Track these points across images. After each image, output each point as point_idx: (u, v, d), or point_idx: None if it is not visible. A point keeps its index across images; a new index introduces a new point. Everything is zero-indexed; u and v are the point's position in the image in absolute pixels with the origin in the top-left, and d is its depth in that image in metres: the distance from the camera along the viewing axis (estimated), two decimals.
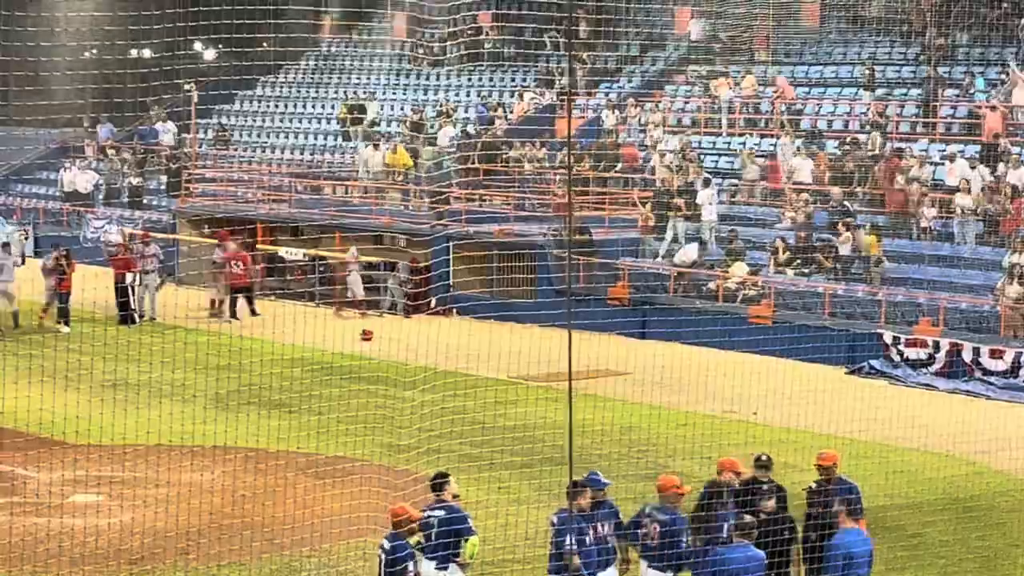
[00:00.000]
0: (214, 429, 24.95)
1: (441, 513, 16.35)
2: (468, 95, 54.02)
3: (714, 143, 46.05)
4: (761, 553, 15.64)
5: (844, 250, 37.42)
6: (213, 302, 40.78)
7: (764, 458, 18.05)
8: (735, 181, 43.37)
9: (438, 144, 49.05)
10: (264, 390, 28.02)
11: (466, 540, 16.44)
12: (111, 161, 55.78)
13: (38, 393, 24.06)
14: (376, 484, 20.05)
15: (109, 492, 23.00)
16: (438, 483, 17.31)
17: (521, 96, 50.72)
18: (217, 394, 28.33)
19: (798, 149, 42.34)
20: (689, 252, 39.69)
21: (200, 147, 55.06)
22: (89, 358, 28.48)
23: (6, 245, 38.93)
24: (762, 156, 43.54)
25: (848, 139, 42.29)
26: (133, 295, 39.23)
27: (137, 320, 38.88)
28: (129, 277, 39.21)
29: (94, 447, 24.17)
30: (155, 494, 22.51)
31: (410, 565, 15.46)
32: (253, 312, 40.40)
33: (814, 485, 17.79)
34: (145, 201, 52.94)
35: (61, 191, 54.54)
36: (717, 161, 44.95)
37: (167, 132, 56.24)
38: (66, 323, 37.75)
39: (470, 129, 49.68)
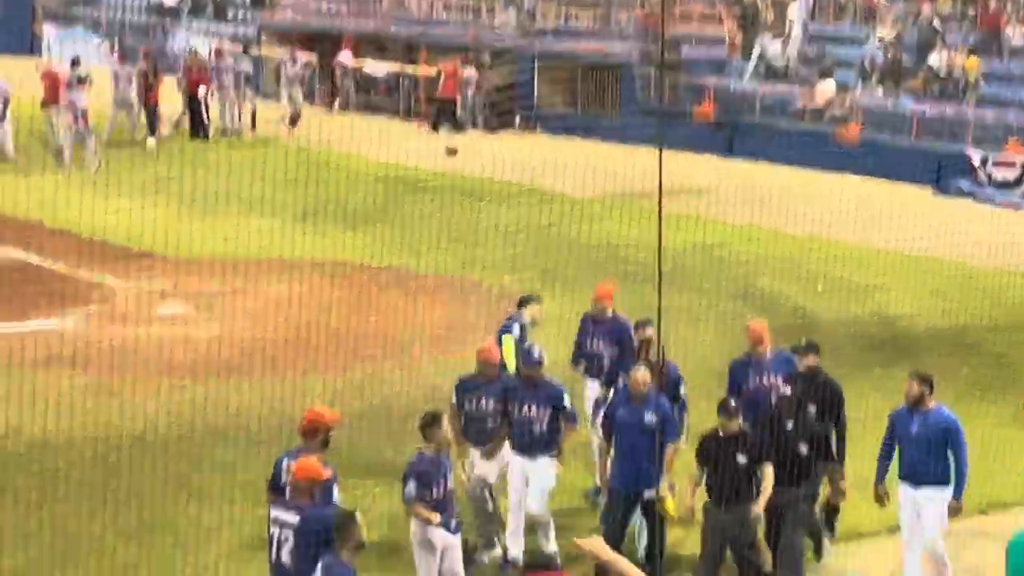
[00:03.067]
0: (302, 243, 25.12)
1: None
2: None
3: None
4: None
5: (935, 68, 36.91)
6: (294, 118, 40.79)
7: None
8: None
9: None
10: (349, 205, 28.13)
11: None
12: None
13: (126, 206, 24.26)
14: (461, 298, 20.19)
15: (197, 304, 23.31)
16: (523, 302, 17.63)
17: None
18: (303, 209, 28.47)
19: None
20: (777, 69, 39.27)
21: None
22: (178, 170, 28.65)
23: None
24: None
25: None
26: (207, 108, 39.24)
27: (209, 133, 38.93)
28: (202, 90, 39.18)
29: (182, 260, 24.44)
30: (242, 306, 22.76)
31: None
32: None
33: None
34: (231, 15, 52.79)
35: (148, 3, 54.42)
36: None
37: None
38: (152, 135, 37.93)
39: None
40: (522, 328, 17.91)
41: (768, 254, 25.56)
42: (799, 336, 21.67)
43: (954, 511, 15.47)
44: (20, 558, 15.62)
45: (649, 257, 23.62)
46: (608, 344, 18.08)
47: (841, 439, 16.42)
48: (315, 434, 13.96)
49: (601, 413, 16.61)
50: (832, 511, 16.64)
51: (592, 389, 17.97)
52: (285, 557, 12.94)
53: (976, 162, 34.13)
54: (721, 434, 15.34)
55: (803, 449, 15.47)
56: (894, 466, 15.70)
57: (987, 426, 18.91)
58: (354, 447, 16.16)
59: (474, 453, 16.26)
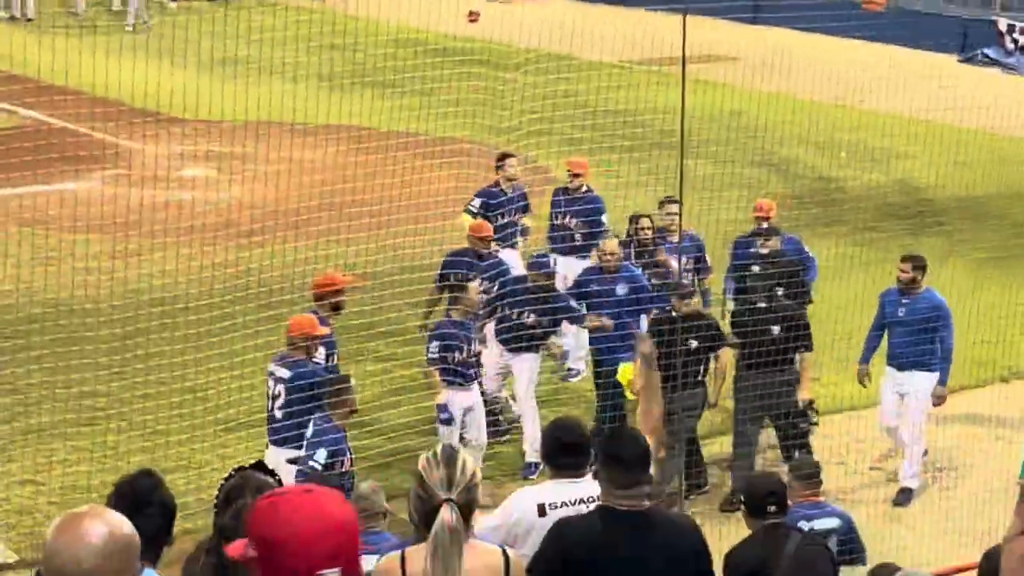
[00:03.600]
0: (326, 108, 24.99)
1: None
2: None
3: None
4: None
5: None
6: None
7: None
8: None
9: None
10: (370, 69, 27.98)
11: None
12: None
13: (146, 67, 24.17)
14: (480, 165, 20.12)
15: (219, 167, 23.29)
16: (499, 162, 17.63)
17: None
18: (325, 73, 28.33)
19: None
20: None
21: None
22: (196, 33, 28.47)
23: None
24: None
25: None
26: None
27: None
28: None
29: (204, 122, 24.38)
30: (265, 170, 22.74)
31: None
32: None
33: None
34: None
35: None
36: None
37: None
38: None
39: None
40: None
41: (792, 122, 25.39)
42: (823, 204, 21.72)
43: (939, 398, 15.39)
44: (44, 419, 15.76)
45: (670, 124, 23.59)
46: (579, 220, 17.83)
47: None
48: (325, 297, 14.04)
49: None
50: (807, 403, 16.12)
51: (562, 265, 17.48)
52: (277, 412, 13.14)
53: (1003, 29, 33.81)
54: (674, 315, 15.01)
55: (775, 330, 15.12)
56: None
57: (1010, 294, 18.91)
58: (378, 312, 16.19)
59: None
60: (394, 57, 29.53)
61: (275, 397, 13.46)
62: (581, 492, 8.60)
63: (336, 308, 14.33)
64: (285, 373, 13.39)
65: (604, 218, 17.95)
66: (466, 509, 6.55)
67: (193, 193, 22.16)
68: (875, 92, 27.68)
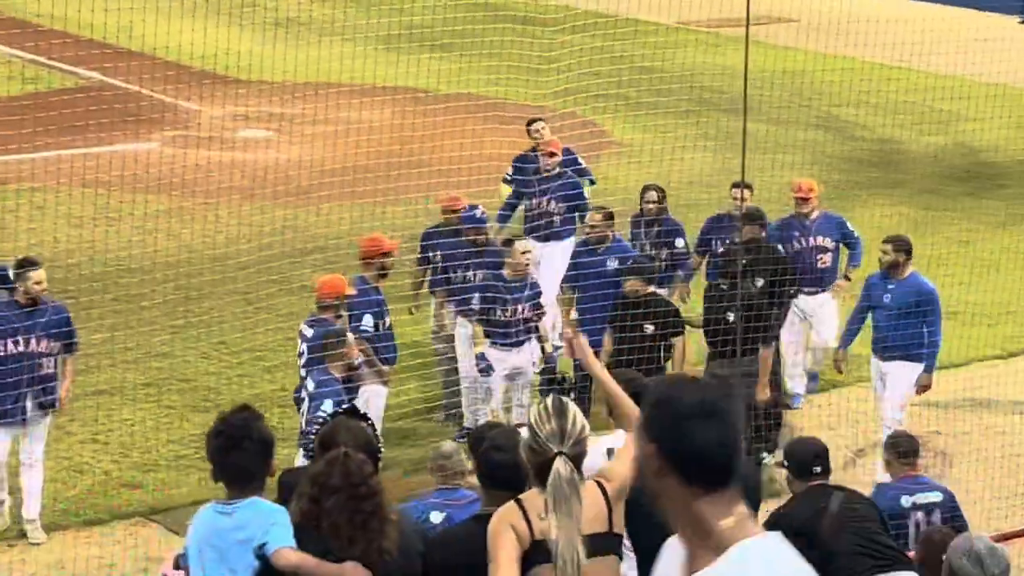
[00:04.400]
0: (383, 70, 25.03)
1: None
2: None
3: None
4: None
5: None
6: None
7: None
8: None
9: None
10: (427, 31, 27.97)
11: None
12: None
13: (204, 28, 24.25)
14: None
15: (277, 128, 23.38)
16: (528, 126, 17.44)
17: None
18: (384, 34, 28.33)
19: None
20: None
21: None
22: None
23: None
24: None
25: None
26: None
27: None
28: None
29: (263, 83, 24.46)
30: (323, 131, 22.81)
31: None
32: None
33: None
34: None
35: None
36: None
37: None
38: None
39: None
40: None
41: (851, 82, 25.25)
42: (883, 167, 21.57)
43: (923, 386, 14.54)
44: (104, 378, 15.91)
45: (727, 85, 23.56)
46: (557, 201, 17.02)
47: (779, 317, 15.45)
48: (372, 260, 14.12)
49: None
50: (771, 418, 14.98)
51: (539, 251, 16.58)
52: (302, 370, 13.29)
53: None
54: (630, 297, 14.47)
55: (730, 316, 14.38)
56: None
57: None
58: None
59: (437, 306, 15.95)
60: (452, 19, 29.52)
61: (300, 355, 13.62)
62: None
63: (383, 271, 14.36)
64: (308, 332, 13.55)
65: (586, 193, 17.18)
66: (578, 460, 6.77)
67: (251, 154, 22.25)
68: (936, 53, 27.49)
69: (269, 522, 7.03)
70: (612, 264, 15.20)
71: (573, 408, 6.92)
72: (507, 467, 7.30)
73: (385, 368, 14.18)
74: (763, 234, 15.72)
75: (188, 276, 18.23)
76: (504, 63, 25.07)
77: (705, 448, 4.26)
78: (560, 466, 6.68)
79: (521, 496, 6.90)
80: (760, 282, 15.03)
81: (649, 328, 14.13)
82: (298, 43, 26.59)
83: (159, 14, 21.90)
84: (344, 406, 12.50)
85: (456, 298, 15.36)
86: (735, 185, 15.99)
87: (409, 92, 24.60)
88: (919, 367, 14.42)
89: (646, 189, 16.72)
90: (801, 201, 16.17)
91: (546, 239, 16.81)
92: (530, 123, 18.19)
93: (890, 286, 14.45)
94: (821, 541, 9.33)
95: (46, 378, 13.29)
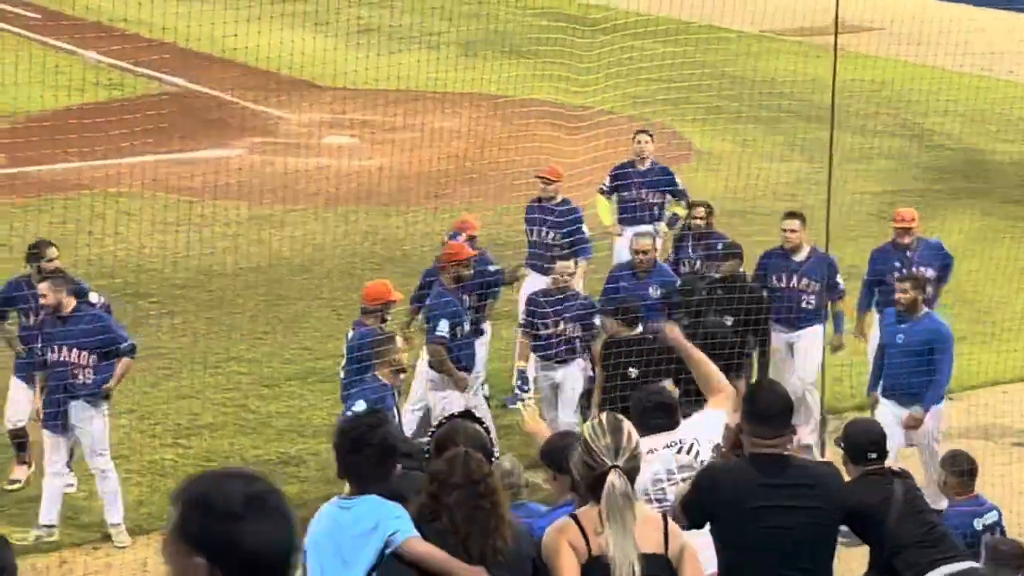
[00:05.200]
0: (465, 76, 25.13)
1: None
2: None
3: None
4: None
5: None
6: None
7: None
8: None
9: None
10: (508, 37, 28.05)
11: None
12: None
13: (291, 35, 24.43)
14: (619, 135, 20.05)
15: (361, 135, 23.48)
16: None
17: None
18: (464, 41, 28.43)
19: None
20: None
21: None
22: (342, 1, 28.71)
23: None
24: None
25: None
26: None
27: None
28: None
29: (347, 90, 24.58)
30: (406, 138, 22.90)
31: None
32: None
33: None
34: None
35: None
36: None
37: None
38: None
39: None
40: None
41: (939, 93, 25.06)
42: (969, 176, 21.33)
43: (915, 419, 13.54)
44: (188, 383, 16.01)
45: (811, 94, 23.43)
46: (557, 233, 16.16)
47: (762, 355, 14.73)
48: (449, 268, 14.29)
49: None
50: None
51: (533, 284, 15.85)
52: (341, 371, 13.35)
53: None
54: (620, 338, 13.66)
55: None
56: None
57: None
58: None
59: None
60: (533, 25, 29.56)
61: (341, 357, 13.74)
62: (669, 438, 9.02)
63: (459, 279, 14.37)
64: (350, 334, 13.66)
65: (584, 228, 16.33)
66: (632, 473, 6.89)
67: (335, 160, 22.35)
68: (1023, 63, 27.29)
69: (393, 515, 7.18)
70: (654, 293, 14.83)
71: (628, 424, 7.03)
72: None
73: (462, 375, 14.17)
74: (740, 269, 15.11)
75: (273, 282, 18.36)
76: (584, 70, 25.11)
77: (261, 551, 3.75)
78: (614, 479, 6.79)
79: (577, 512, 7.00)
80: (729, 320, 14.29)
81: (633, 372, 13.23)
82: (380, 50, 26.71)
83: (245, 21, 22.01)
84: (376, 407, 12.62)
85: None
86: (790, 216, 15.45)
87: (488, 98, 24.66)
88: (937, 407, 13.70)
89: (694, 205, 16.36)
90: (902, 231, 15.37)
91: (546, 272, 15.58)
92: (636, 133, 18.02)
93: (903, 325, 13.76)
94: (888, 531, 9.31)
95: (81, 387, 13.24)
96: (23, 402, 14.08)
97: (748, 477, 7.94)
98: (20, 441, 14.19)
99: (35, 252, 14.10)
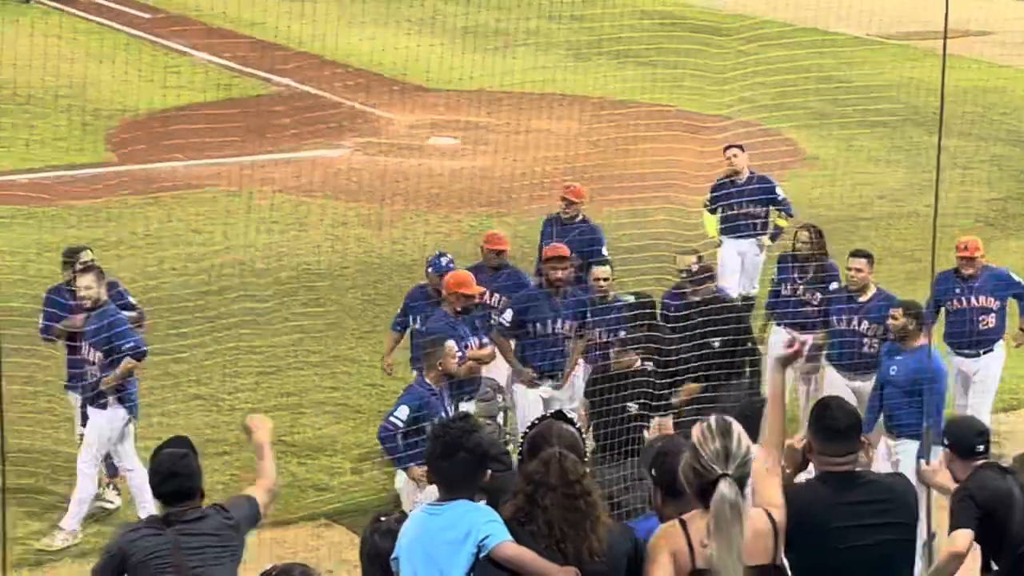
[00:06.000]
0: (570, 78, 25.14)
1: None
2: None
3: None
4: None
5: None
6: None
7: None
8: None
9: None
10: (619, 41, 28.01)
11: None
12: None
13: (395, 36, 24.58)
14: (727, 140, 19.98)
15: (465, 136, 23.56)
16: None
17: None
18: (574, 44, 28.44)
19: None
20: None
21: None
22: (451, 3, 28.85)
23: None
24: None
25: None
26: None
27: None
28: None
29: (453, 93, 24.68)
30: (511, 140, 22.94)
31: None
32: None
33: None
34: None
35: None
36: None
37: None
38: None
39: None
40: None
41: None
42: None
43: (925, 478, 11.31)
44: (292, 381, 16.15)
45: (915, 97, 23.22)
46: (575, 253, 15.38)
47: (753, 373, 14.05)
48: (543, 268, 14.25)
49: None
50: None
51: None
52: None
53: None
54: (613, 370, 13.00)
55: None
56: None
57: None
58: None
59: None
60: (640, 28, 29.50)
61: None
62: None
63: (550, 281, 14.37)
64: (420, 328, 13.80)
65: (604, 251, 15.69)
66: (742, 480, 6.66)
67: (439, 161, 22.46)
68: None
69: (485, 519, 7.15)
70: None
71: (738, 428, 6.78)
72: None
73: (527, 370, 14.14)
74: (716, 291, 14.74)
75: (376, 282, 18.46)
76: (688, 73, 25.05)
77: None
78: (725, 489, 6.57)
79: (685, 517, 6.80)
80: (716, 342, 13.79)
81: (633, 407, 12.49)
82: (486, 52, 26.80)
83: (351, 23, 22.28)
84: (423, 417, 12.58)
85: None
86: (854, 255, 14.72)
87: (595, 101, 24.65)
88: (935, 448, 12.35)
89: (798, 229, 15.76)
90: (965, 261, 14.61)
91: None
92: (726, 148, 17.84)
93: (898, 358, 13.19)
94: (1014, 531, 9.14)
95: (91, 386, 13.22)
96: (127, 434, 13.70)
97: (822, 497, 7.64)
98: (109, 462, 13.85)
99: (69, 260, 13.97)
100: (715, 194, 17.62)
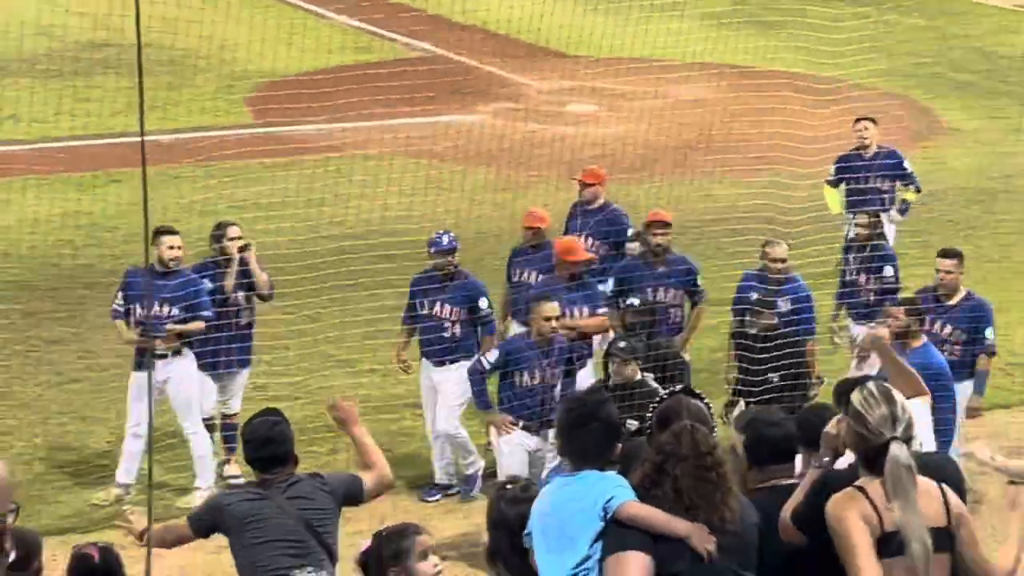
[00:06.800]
0: (709, 47, 24.90)
1: None
2: None
3: None
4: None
5: None
6: None
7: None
8: None
9: None
10: (758, 7, 27.75)
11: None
12: None
13: (537, 2, 24.48)
14: (863, 110, 19.71)
15: (603, 103, 23.46)
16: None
17: None
18: (714, 10, 28.16)
19: None
20: None
21: None
22: None
23: None
24: None
25: None
26: None
27: None
28: None
29: (590, 58, 24.59)
30: (649, 107, 22.82)
31: None
32: None
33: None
34: None
35: None
36: None
37: None
38: None
39: None
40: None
41: None
42: None
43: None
44: None
45: None
46: (596, 239, 15.40)
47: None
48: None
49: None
50: None
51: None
52: None
53: None
54: (612, 383, 12.85)
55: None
56: None
57: None
58: (739, 255, 15.79)
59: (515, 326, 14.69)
60: None
61: None
62: None
63: (654, 252, 14.46)
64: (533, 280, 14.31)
65: (630, 234, 15.40)
66: (909, 444, 6.70)
67: (577, 128, 22.36)
68: None
69: (613, 484, 7.19)
70: (783, 306, 13.95)
71: (898, 394, 6.86)
72: (789, 439, 7.55)
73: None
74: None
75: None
76: (829, 41, 24.74)
77: None
78: (897, 451, 6.62)
79: (861, 483, 6.77)
80: (775, 377, 13.48)
81: (633, 424, 11.38)
82: (627, 19, 26.65)
83: None
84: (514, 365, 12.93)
85: (423, 336, 14.34)
86: (946, 255, 14.02)
87: (734, 69, 24.45)
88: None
89: (858, 214, 15.66)
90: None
91: None
92: (856, 121, 17.56)
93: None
94: None
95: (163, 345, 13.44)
96: (208, 392, 14.06)
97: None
98: (227, 434, 14.14)
99: (218, 233, 14.20)
100: (839, 165, 17.41)
